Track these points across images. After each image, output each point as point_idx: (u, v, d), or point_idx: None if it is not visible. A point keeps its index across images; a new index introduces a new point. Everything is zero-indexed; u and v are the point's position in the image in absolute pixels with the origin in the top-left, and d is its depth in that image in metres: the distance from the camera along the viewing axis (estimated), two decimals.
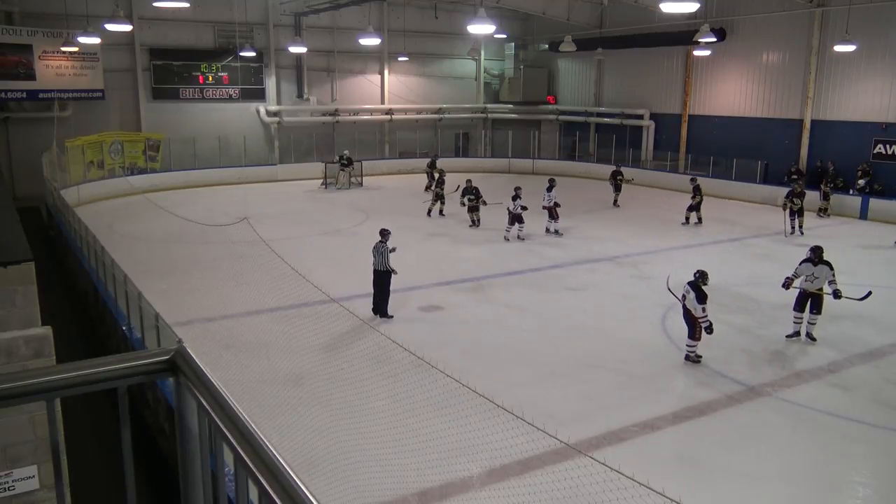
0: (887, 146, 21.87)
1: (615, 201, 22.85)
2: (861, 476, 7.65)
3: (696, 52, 25.92)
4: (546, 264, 15.68)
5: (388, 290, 11.76)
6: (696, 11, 19.69)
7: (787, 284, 10.71)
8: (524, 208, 17.52)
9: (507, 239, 17.75)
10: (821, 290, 10.51)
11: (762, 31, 25.08)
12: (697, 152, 27.03)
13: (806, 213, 18.97)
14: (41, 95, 24.43)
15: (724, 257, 16.10)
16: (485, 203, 19.00)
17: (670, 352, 10.57)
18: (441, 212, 20.99)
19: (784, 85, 24.56)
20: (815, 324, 10.73)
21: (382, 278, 11.68)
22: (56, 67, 24.54)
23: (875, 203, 21.03)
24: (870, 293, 10.62)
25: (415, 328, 11.40)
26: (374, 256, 11.72)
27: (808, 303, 10.63)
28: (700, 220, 20.08)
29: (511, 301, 13.04)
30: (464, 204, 19.20)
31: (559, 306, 12.75)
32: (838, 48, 20.68)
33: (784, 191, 19.86)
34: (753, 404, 8.92)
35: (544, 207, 18.43)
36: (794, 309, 10.81)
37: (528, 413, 6.79)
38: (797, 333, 10.84)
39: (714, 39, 22.79)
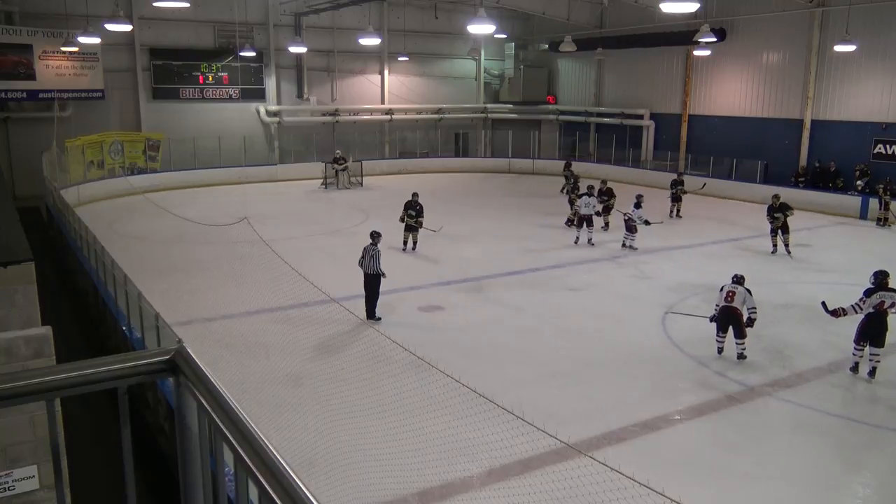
0: (887, 146, 21.88)
1: (677, 212, 21.00)
2: (861, 476, 7.65)
3: (696, 52, 25.92)
4: (546, 264, 15.67)
5: (378, 293, 11.71)
6: (696, 11, 19.70)
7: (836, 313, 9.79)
8: (646, 223, 16.84)
9: (631, 247, 16.81)
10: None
11: (762, 31, 25.07)
12: (697, 152, 27.04)
13: (858, 221, 18.09)
14: (41, 95, 24.43)
15: (724, 257, 16.08)
16: (421, 225, 16.49)
17: (670, 352, 10.57)
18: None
19: (784, 85, 24.57)
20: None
21: (371, 281, 11.65)
22: (56, 67, 24.55)
23: (875, 203, 20.99)
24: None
25: (415, 328, 11.41)
26: (365, 259, 11.67)
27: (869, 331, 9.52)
28: (607, 225, 18.88)
29: (511, 301, 13.04)
30: (402, 220, 16.53)
31: (559, 306, 12.75)
32: (838, 48, 20.68)
33: (787, 193, 19.57)
34: (753, 404, 8.93)
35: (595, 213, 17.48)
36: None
37: (528, 413, 6.78)
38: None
39: (714, 39, 22.76)
